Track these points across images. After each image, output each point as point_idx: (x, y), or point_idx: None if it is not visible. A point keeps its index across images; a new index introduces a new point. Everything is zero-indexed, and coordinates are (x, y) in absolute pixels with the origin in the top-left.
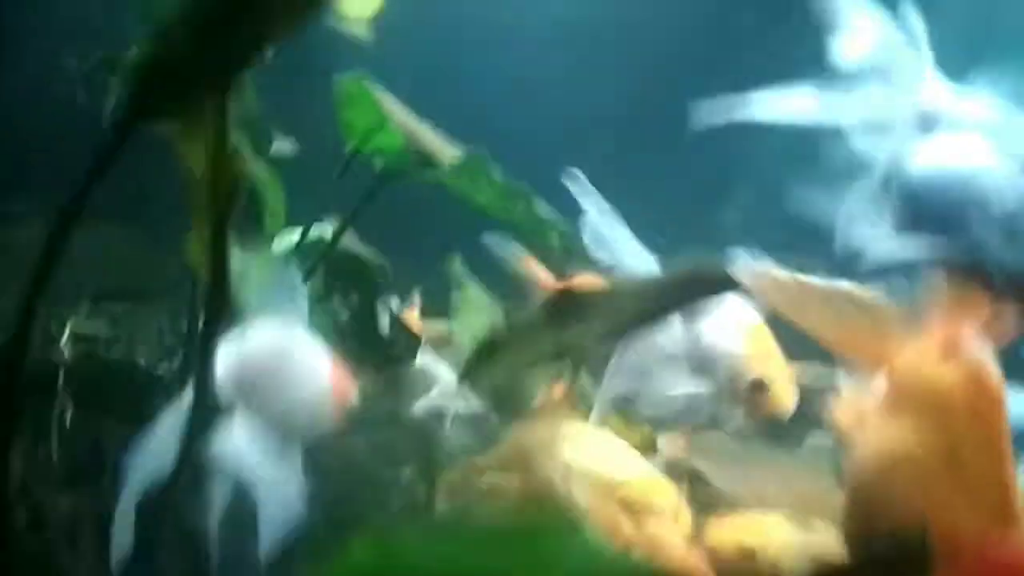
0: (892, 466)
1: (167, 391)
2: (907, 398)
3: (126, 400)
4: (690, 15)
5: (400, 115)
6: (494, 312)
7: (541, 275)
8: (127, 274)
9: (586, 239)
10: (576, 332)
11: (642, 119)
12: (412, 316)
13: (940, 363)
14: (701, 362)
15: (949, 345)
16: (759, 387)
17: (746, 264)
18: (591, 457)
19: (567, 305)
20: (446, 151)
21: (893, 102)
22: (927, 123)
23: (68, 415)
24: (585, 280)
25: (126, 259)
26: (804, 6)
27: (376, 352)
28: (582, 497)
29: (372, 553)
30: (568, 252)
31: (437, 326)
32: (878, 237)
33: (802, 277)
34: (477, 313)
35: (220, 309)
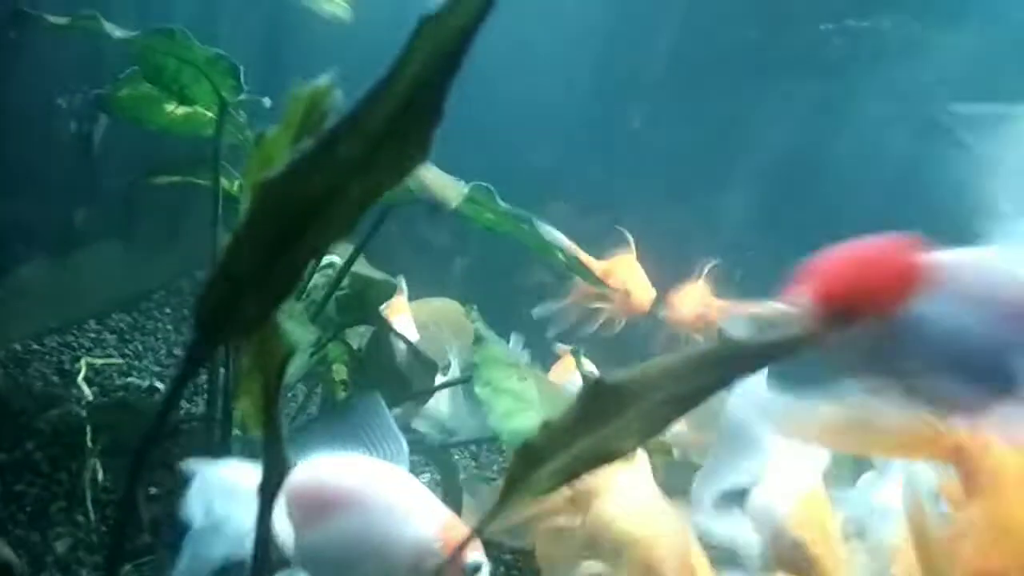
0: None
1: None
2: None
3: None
4: None
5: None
6: (514, 367)
7: (586, 258)
8: (126, 286)
9: None
10: (614, 431)
11: None
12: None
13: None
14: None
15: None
16: (798, 548)
17: (778, 405)
18: (629, 512)
19: (603, 399)
20: (452, 191)
21: None
22: None
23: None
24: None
25: (122, 274)
26: None
27: (392, 379)
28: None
29: None
30: (572, 269)
31: None
32: None
33: (829, 410)
34: (498, 370)
35: (276, 466)
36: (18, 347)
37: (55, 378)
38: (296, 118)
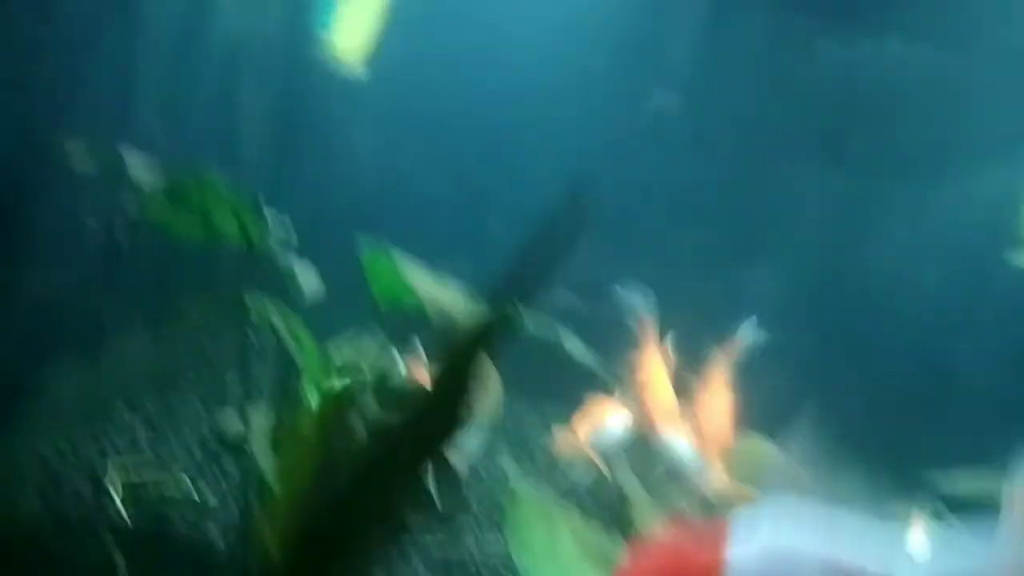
0: None
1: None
2: None
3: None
4: None
5: (420, 280)
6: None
7: None
8: (152, 373)
9: None
10: None
11: None
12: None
13: None
14: None
15: None
16: None
17: None
18: None
19: None
20: (460, 305)
21: None
22: None
23: None
24: None
25: (150, 360)
26: None
27: None
28: None
29: None
30: None
31: None
32: None
33: None
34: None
35: None
36: (49, 454)
37: (89, 496)
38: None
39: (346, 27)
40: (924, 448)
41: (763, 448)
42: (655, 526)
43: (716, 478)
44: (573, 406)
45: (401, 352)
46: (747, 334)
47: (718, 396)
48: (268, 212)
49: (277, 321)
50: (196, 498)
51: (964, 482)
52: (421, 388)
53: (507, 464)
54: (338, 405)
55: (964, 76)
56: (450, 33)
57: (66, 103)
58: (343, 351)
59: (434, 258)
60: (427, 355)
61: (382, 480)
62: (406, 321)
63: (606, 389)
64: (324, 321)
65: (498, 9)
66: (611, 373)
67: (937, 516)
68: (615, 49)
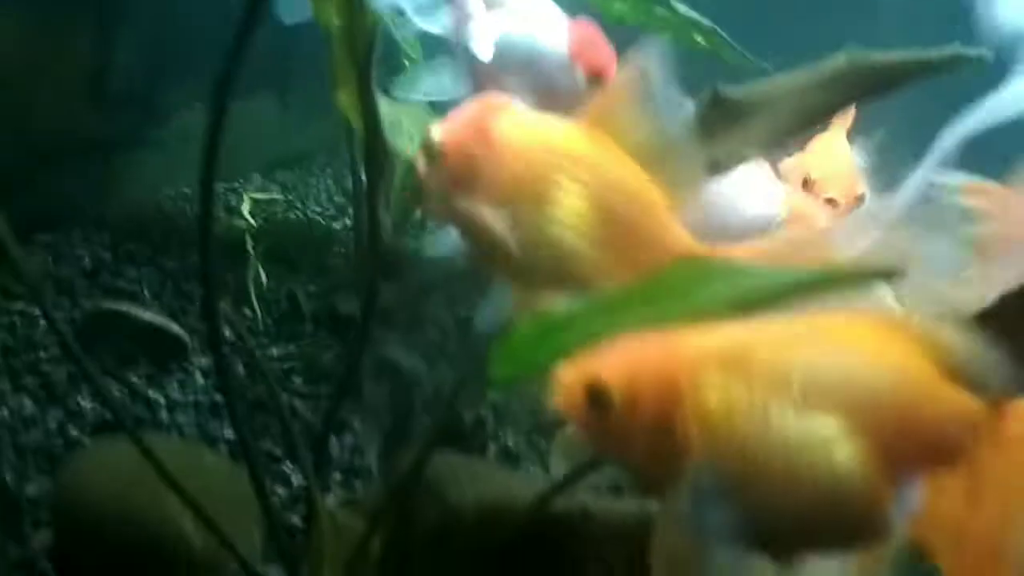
0: None
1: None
2: None
3: (310, 255)
4: None
5: None
6: None
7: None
8: (288, 144)
9: None
10: (734, 139)
11: None
12: None
13: None
14: None
15: None
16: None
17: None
18: None
19: (721, 111)
20: None
21: None
22: None
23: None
24: None
25: (285, 130)
26: None
27: None
28: None
29: (536, 325)
30: (715, 49)
31: None
32: None
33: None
34: None
35: (376, 153)
36: (187, 190)
37: (222, 214)
38: None
39: None
40: None
41: None
42: None
43: None
44: None
45: None
46: None
47: None
48: None
49: None
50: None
51: None
52: None
53: None
54: None
55: None
56: None
57: None
58: None
59: None
60: None
61: None
62: None
63: None
64: None
65: None
66: None
67: None
68: None
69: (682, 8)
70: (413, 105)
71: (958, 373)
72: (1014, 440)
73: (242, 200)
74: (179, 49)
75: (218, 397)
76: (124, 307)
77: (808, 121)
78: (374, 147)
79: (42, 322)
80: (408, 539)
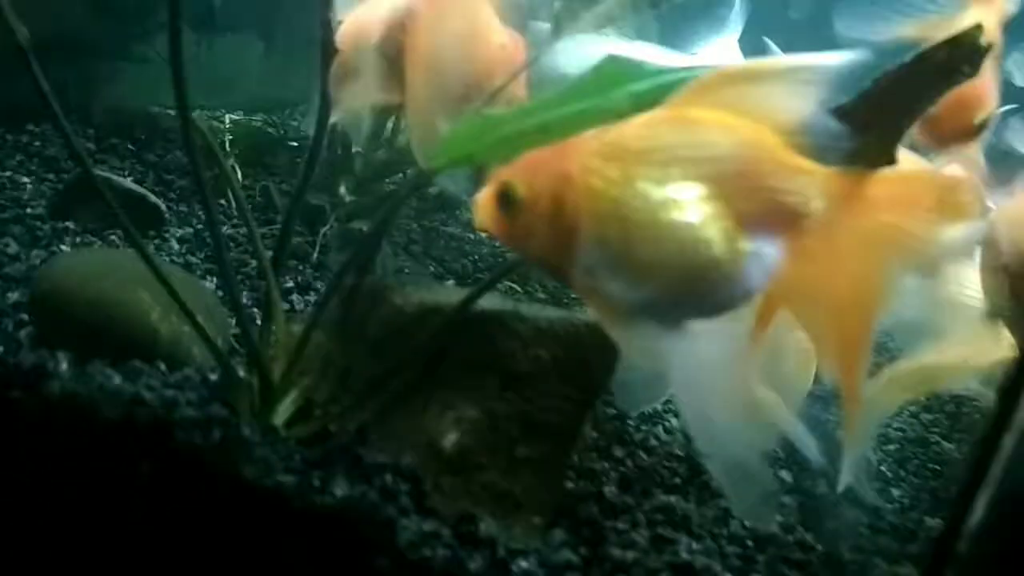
0: None
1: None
2: None
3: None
4: None
5: None
6: None
7: None
8: (267, 88)
9: None
10: None
11: None
12: None
13: None
14: None
15: None
16: None
17: None
18: None
19: None
20: None
21: None
22: None
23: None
24: None
25: (262, 73)
26: None
27: None
28: None
29: (474, 122)
30: None
31: None
32: None
33: None
34: None
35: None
36: (171, 112)
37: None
38: None
39: None
40: None
41: None
42: None
43: None
44: None
45: None
46: None
47: None
48: None
49: None
50: None
51: None
52: None
53: None
54: None
55: None
56: None
57: None
58: None
59: None
60: None
61: None
62: None
63: None
64: None
65: None
66: None
67: None
68: None
69: None
70: None
71: (805, 148)
72: (865, 204)
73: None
74: None
75: (192, 258)
76: (106, 174)
77: None
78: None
79: (29, 185)
80: (355, 336)
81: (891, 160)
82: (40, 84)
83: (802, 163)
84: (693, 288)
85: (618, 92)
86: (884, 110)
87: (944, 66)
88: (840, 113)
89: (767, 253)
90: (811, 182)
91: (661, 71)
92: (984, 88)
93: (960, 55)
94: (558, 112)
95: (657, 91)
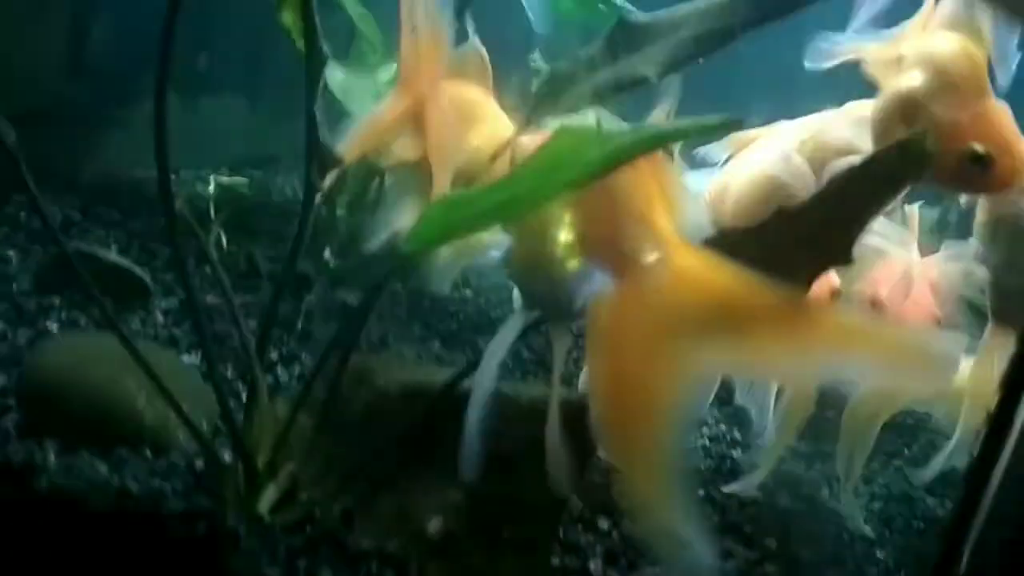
0: None
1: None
2: None
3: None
4: None
5: None
6: None
7: None
8: (256, 144)
9: None
10: (636, 61)
11: None
12: None
13: None
14: None
15: None
16: None
17: None
18: None
19: (626, 35)
20: None
21: None
22: None
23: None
24: None
25: (254, 131)
26: None
27: None
28: None
29: (441, 205)
30: None
31: None
32: None
33: None
34: None
35: (316, 64)
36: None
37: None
38: None
39: None
40: None
41: None
42: None
43: None
44: None
45: None
46: None
47: None
48: None
49: None
50: None
51: None
52: None
53: None
54: None
55: None
56: None
57: None
58: None
59: None
60: None
61: None
62: None
63: None
64: None
65: None
66: None
67: None
68: None
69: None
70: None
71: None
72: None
73: (208, 184)
74: (155, 36)
75: (177, 331)
76: (90, 248)
77: (707, 45)
78: (313, 55)
79: (15, 259)
80: (340, 418)
81: (847, 260)
82: (17, 160)
83: (658, 218)
84: (541, 285)
85: (574, 161)
86: (836, 212)
87: (892, 171)
88: (790, 216)
89: (596, 278)
90: (651, 236)
91: (611, 136)
92: None
93: (908, 160)
94: (526, 186)
95: (611, 157)
